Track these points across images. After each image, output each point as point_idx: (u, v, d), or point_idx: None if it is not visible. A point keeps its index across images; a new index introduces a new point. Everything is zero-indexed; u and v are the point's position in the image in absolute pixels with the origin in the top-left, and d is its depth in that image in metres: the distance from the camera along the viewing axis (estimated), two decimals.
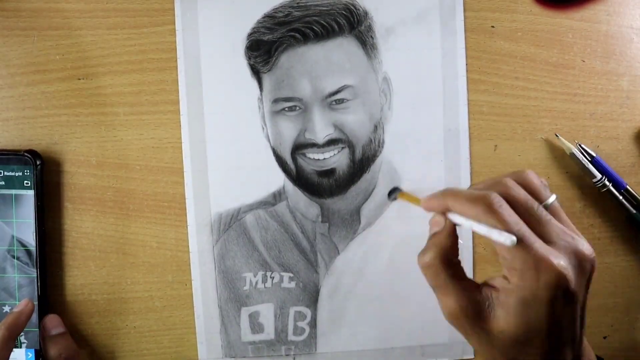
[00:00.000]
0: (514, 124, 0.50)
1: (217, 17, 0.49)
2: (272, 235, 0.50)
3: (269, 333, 0.50)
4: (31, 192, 0.47)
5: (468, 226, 0.37)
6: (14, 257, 0.48)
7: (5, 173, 0.47)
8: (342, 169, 0.50)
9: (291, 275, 0.50)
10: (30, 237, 0.47)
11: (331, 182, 0.50)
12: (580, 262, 0.36)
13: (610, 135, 0.50)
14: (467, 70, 0.50)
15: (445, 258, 0.38)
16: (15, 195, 0.47)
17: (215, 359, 0.50)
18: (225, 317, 0.50)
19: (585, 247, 0.37)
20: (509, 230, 0.35)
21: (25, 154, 0.47)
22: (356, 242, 0.50)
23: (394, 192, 0.49)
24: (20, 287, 0.48)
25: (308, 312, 0.50)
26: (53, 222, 0.49)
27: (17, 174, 0.47)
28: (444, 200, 0.38)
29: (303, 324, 0.50)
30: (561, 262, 0.35)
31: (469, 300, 0.37)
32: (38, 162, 0.47)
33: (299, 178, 0.50)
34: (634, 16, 0.50)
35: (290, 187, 0.50)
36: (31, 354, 0.48)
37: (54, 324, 0.48)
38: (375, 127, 0.50)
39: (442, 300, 0.38)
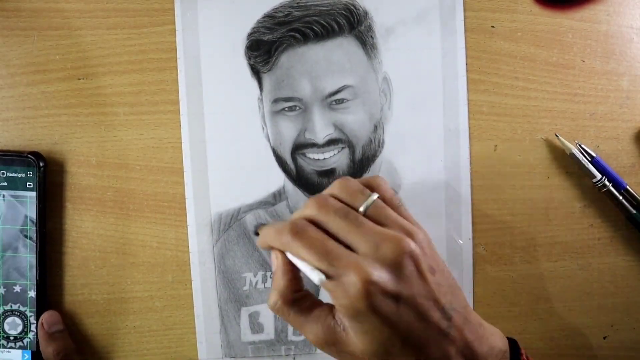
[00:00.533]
0: (514, 124, 0.50)
1: (217, 17, 0.49)
2: None
3: (268, 333, 0.50)
4: (33, 194, 0.47)
5: (292, 260, 0.37)
6: (26, 237, 0.48)
7: (8, 174, 0.47)
8: (342, 169, 0.50)
9: None
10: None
11: (331, 182, 0.50)
12: (396, 255, 0.34)
13: (610, 135, 0.50)
14: (467, 70, 0.50)
15: (286, 298, 0.37)
16: (16, 196, 0.48)
17: (215, 359, 0.50)
18: (225, 317, 0.50)
19: (397, 238, 0.35)
20: (312, 253, 0.34)
21: (29, 155, 0.47)
22: None
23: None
24: (31, 268, 0.48)
25: None
26: (53, 222, 0.49)
27: (19, 175, 0.47)
28: (262, 238, 0.38)
29: None
30: (365, 267, 0.33)
31: (323, 329, 0.36)
32: (41, 164, 0.48)
33: (299, 178, 0.50)
34: (634, 16, 0.50)
35: (290, 187, 0.50)
36: (27, 356, 0.48)
37: (53, 320, 0.48)
38: (375, 127, 0.50)
39: (303, 334, 0.37)
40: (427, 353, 0.35)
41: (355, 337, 0.35)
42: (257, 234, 0.47)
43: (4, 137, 0.49)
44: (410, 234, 0.36)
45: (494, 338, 0.37)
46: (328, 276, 0.34)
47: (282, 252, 0.37)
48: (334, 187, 0.38)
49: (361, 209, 0.36)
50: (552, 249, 0.50)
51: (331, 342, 0.36)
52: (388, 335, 0.34)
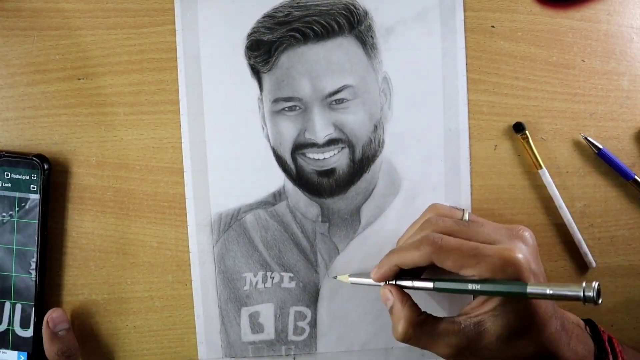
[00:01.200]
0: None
1: (217, 17, 0.49)
2: (272, 235, 0.50)
3: (269, 333, 0.50)
4: (37, 197, 0.47)
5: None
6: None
7: (13, 176, 0.47)
8: (342, 169, 0.50)
9: (291, 275, 0.50)
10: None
11: (331, 182, 0.50)
12: (523, 240, 0.41)
13: (610, 135, 0.50)
14: (467, 70, 0.50)
15: (414, 323, 0.41)
16: (20, 198, 0.48)
17: (216, 359, 0.50)
18: (225, 317, 0.50)
19: (519, 227, 0.42)
20: (461, 253, 0.39)
21: (34, 158, 0.47)
22: (356, 242, 0.50)
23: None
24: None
25: (308, 312, 0.50)
26: (53, 222, 0.49)
27: (24, 178, 0.47)
28: (391, 262, 0.42)
29: (303, 324, 0.50)
30: (513, 250, 0.39)
31: (457, 336, 0.40)
32: (46, 167, 0.48)
33: (299, 178, 0.50)
34: (634, 16, 0.50)
35: (290, 187, 0.50)
36: (23, 357, 0.48)
37: (59, 319, 0.47)
38: (375, 127, 0.50)
39: (438, 351, 0.41)
40: (547, 329, 0.40)
41: (496, 322, 0.39)
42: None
43: (4, 137, 0.49)
44: (517, 227, 0.43)
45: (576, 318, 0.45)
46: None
47: (395, 286, 0.42)
48: (431, 210, 0.45)
49: (466, 217, 0.44)
50: (552, 249, 0.50)
51: (465, 346, 0.40)
52: (522, 314, 0.39)
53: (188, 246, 0.50)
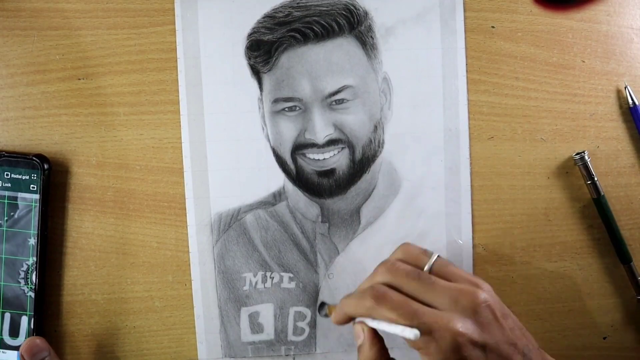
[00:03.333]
0: (514, 124, 0.50)
1: (217, 17, 0.49)
2: (272, 236, 0.50)
3: (268, 333, 0.50)
4: (37, 196, 0.47)
5: (377, 327, 0.39)
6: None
7: (13, 176, 0.47)
8: (342, 169, 0.50)
9: (291, 275, 0.50)
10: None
11: (331, 182, 0.50)
12: (474, 306, 0.37)
13: (610, 136, 0.50)
14: (467, 70, 0.50)
15: None
16: (20, 198, 0.48)
17: (215, 359, 0.50)
18: (225, 317, 0.50)
19: (471, 291, 0.38)
20: (399, 314, 0.37)
21: (34, 158, 0.47)
22: (356, 242, 0.50)
23: (322, 308, 0.50)
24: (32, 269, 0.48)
25: (308, 312, 0.50)
26: (53, 223, 0.49)
27: (23, 177, 0.47)
28: (342, 310, 0.41)
29: (303, 324, 0.50)
30: (452, 321, 0.36)
31: None
32: (46, 167, 0.48)
33: (299, 178, 0.50)
34: (634, 16, 0.50)
35: (290, 187, 0.50)
36: None
37: (34, 350, 0.44)
38: (375, 127, 0.50)
39: None
40: None
41: None
42: (326, 315, 0.50)
43: (4, 137, 0.49)
44: (477, 285, 0.38)
45: None
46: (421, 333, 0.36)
47: (368, 327, 0.40)
48: (397, 253, 0.42)
49: (426, 268, 0.40)
50: (552, 249, 0.51)
51: None
52: None
53: (188, 246, 0.50)
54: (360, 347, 0.41)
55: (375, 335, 0.40)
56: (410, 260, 0.41)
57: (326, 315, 0.50)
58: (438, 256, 0.41)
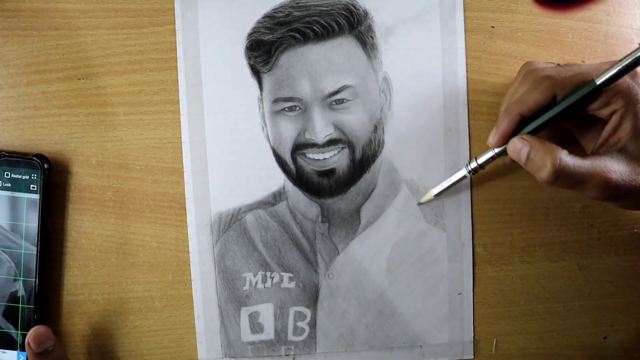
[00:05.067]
0: None
1: (217, 17, 0.49)
2: (272, 235, 0.50)
3: (268, 333, 0.50)
4: (37, 196, 0.47)
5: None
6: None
7: (13, 175, 0.47)
8: (342, 169, 0.50)
9: (291, 275, 0.50)
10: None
11: (331, 182, 0.50)
12: None
13: None
14: (467, 70, 0.50)
15: (562, 156, 0.39)
16: (20, 198, 0.48)
17: (215, 359, 0.50)
18: (225, 317, 0.50)
19: None
20: (581, 75, 0.39)
21: (34, 158, 0.47)
22: (356, 242, 0.50)
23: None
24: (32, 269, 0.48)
25: (308, 312, 0.50)
26: (53, 223, 0.49)
27: (23, 177, 0.47)
28: (512, 113, 0.41)
29: (303, 324, 0.50)
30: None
31: (617, 161, 0.39)
32: (46, 167, 0.48)
33: (299, 178, 0.50)
34: (634, 16, 0.50)
35: (290, 187, 0.50)
36: (23, 357, 0.48)
37: (41, 339, 0.43)
38: (375, 127, 0.50)
39: (598, 182, 0.39)
40: None
41: (635, 145, 0.39)
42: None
43: (4, 137, 0.49)
44: None
45: None
46: None
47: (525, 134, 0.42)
48: (525, 66, 0.45)
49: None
50: (552, 249, 0.51)
51: (619, 180, 0.39)
52: None
53: (188, 246, 0.50)
54: (527, 155, 0.40)
55: (537, 137, 0.41)
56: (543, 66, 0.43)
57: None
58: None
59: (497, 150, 0.44)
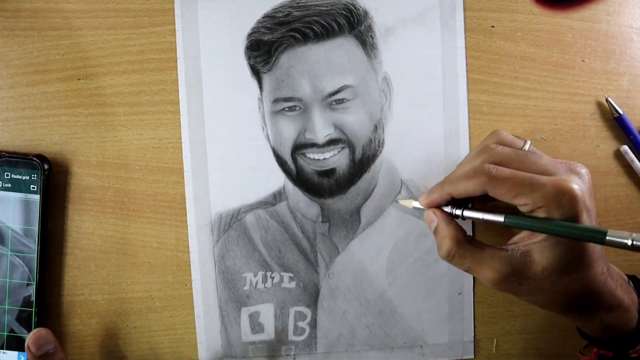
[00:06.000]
0: (514, 124, 0.50)
1: (217, 17, 0.49)
2: (272, 235, 0.50)
3: (269, 333, 0.50)
4: (37, 197, 0.47)
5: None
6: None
7: (13, 176, 0.47)
8: (342, 169, 0.50)
9: (291, 275, 0.50)
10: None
11: (331, 182, 0.50)
12: (580, 175, 0.40)
13: (610, 136, 0.50)
14: (467, 70, 0.50)
15: (459, 241, 0.41)
16: (19, 198, 0.48)
17: (216, 359, 0.50)
18: (225, 317, 0.50)
19: (576, 164, 0.41)
20: (515, 182, 0.38)
21: (34, 158, 0.47)
22: (356, 242, 0.50)
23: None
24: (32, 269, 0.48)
25: (308, 312, 0.50)
26: (53, 223, 0.49)
27: (23, 178, 0.47)
28: (443, 190, 0.42)
29: (303, 324, 0.50)
30: (569, 181, 0.38)
31: (503, 262, 0.40)
32: (46, 167, 0.47)
33: (299, 178, 0.50)
34: (634, 16, 0.50)
35: (290, 187, 0.50)
36: (23, 357, 0.48)
37: (41, 342, 0.42)
38: (375, 127, 0.50)
39: (482, 275, 0.41)
40: (594, 268, 0.40)
41: (543, 253, 0.39)
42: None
43: (4, 138, 0.49)
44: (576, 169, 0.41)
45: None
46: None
47: (439, 209, 0.42)
48: (491, 138, 0.44)
49: (525, 147, 0.42)
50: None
51: (510, 273, 0.39)
52: (571, 248, 0.39)
53: (188, 246, 0.50)
54: (435, 229, 0.42)
55: (449, 215, 0.42)
56: (507, 144, 0.43)
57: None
58: (530, 142, 0.43)
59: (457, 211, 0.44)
